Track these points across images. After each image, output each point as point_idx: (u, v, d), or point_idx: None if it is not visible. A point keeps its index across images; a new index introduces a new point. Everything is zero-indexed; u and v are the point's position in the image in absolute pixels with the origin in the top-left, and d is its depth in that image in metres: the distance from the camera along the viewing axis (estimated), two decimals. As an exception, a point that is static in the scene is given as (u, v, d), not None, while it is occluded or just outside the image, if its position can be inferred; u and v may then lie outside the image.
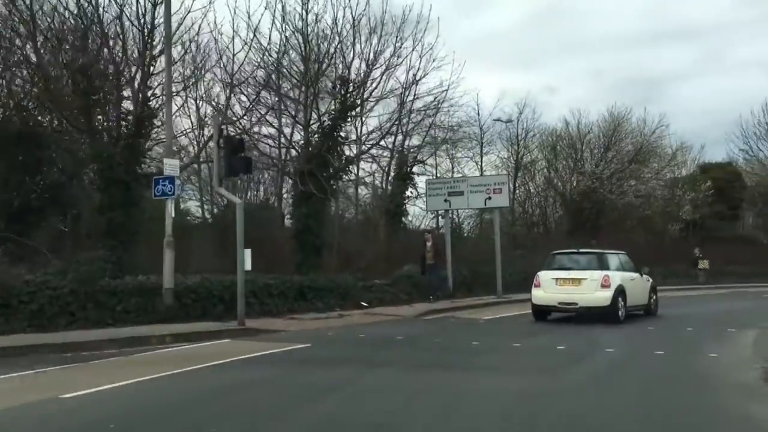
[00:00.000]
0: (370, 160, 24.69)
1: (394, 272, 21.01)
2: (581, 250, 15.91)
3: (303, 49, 19.55)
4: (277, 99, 20.07)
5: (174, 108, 16.05)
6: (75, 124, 16.83)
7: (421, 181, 26.84)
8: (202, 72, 16.73)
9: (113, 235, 16.27)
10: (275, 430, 5.84)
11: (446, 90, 22.91)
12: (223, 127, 16.61)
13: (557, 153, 36.21)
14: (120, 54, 16.34)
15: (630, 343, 11.41)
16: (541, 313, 14.99)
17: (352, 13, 19.18)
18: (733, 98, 61.68)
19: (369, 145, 21.46)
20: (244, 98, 19.61)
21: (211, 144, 13.72)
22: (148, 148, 17.59)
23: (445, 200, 22.29)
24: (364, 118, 23.75)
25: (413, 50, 20.04)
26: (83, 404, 6.77)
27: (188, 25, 16.53)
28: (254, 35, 17.50)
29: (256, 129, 21.11)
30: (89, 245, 17.06)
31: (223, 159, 13.13)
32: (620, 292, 14.25)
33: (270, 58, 18.27)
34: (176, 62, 16.13)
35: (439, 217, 29.48)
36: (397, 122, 22.14)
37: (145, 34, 15.99)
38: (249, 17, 18.40)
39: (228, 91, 16.96)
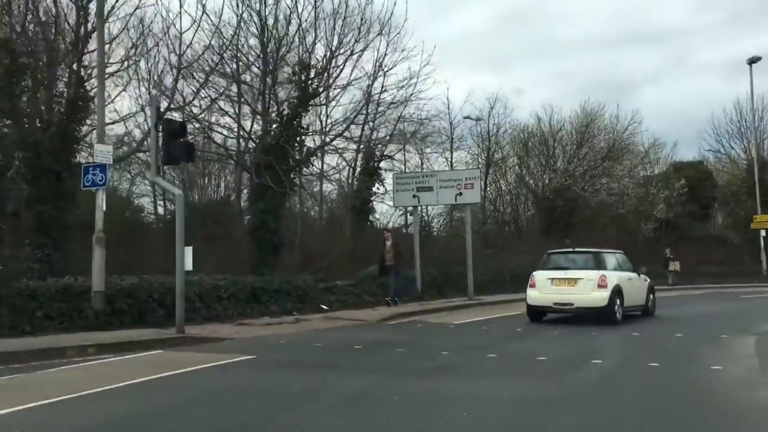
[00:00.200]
0: (335, 153, 23.31)
1: (359, 272, 19.64)
2: (577, 249, 15.36)
3: (260, 31, 18.03)
4: (233, 84, 18.50)
5: (116, 90, 14.49)
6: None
7: (388, 177, 25.52)
8: (145, 50, 15.11)
9: (43, 232, 14.60)
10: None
11: (415, 80, 21.77)
12: (170, 113, 15.06)
13: (529, 150, 35.19)
14: (52, 29, 14.64)
15: (622, 351, 10.16)
16: (537, 314, 14.51)
17: (313, -8, 17.78)
18: (699, 100, 61.96)
19: (332, 136, 19.99)
20: (197, 84, 18.08)
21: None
22: (85, 134, 15.88)
23: (414, 196, 20.94)
24: (328, 109, 22.38)
25: (379, 34, 18.68)
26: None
27: (130, -2, 14.90)
28: (203, 12, 15.90)
29: (212, 119, 19.59)
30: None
31: (162, 145, 11.56)
32: (617, 292, 13.82)
33: (223, 40, 16.64)
34: (115, 39, 14.46)
35: (408, 215, 28.18)
36: (364, 112, 20.76)
37: (80, 6, 14.33)
38: (199, -8, 16.80)
39: (176, 72, 15.34)
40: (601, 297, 13.54)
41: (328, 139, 20.44)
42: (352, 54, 18.61)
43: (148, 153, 21.22)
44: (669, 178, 36.56)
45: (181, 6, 15.48)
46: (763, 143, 39.27)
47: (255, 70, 19.42)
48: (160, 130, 11.57)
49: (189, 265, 11.85)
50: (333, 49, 18.19)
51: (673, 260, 31.12)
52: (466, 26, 60.95)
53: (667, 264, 30.90)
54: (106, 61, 13.39)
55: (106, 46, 13.87)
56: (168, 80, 16.38)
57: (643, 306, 15.45)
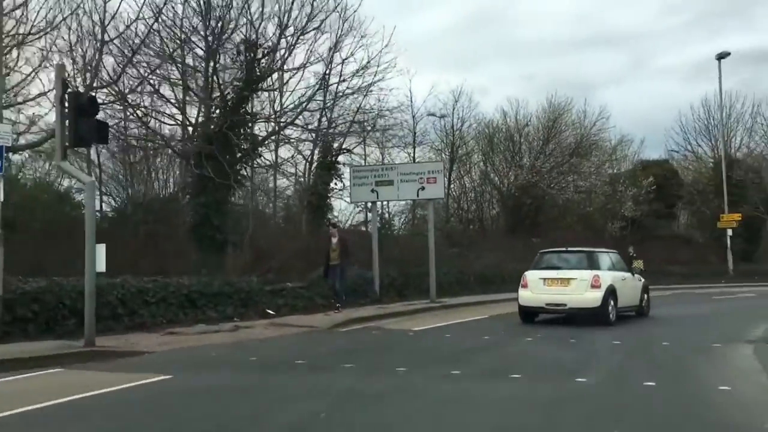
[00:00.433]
0: (288, 144, 21.61)
1: (311, 273, 17.95)
2: (570, 249, 14.99)
3: (200, 3, 16.21)
4: (172, 65, 16.67)
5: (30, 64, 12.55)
6: None
7: (347, 172, 23.86)
8: (62, 17, 13.19)
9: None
10: None
11: (375, 68, 20.23)
12: (93, 93, 13.21)
13: (494, 146, 33.90)
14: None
15: (609, 364, 8.74)
16: (529, 314, 14.18)
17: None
18: (660, 102, 61.73)
19: (283, 124, 18.25)
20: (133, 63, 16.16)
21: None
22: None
23: (372, 190, 19.35)
24: (282, 98, 20.68)
25: (334, 11, 17.06)
26: None
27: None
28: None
29: (149, 103, 17.69)
30: None
31: (69, 123, 9.75)
32: (611, 292, 13.46)
33: (154, 11, 14.77)
34: (24, 4, 12.53)
35: (368, 211, 26.56)
36: (318, 99, 19.11)
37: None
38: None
39: (98, 45, 13.45)
40: (594, 297, 13.18)
41: (279, 128, 18.64)
42: (303, 33, 16.93)
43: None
44: (637, 175, 35.69)
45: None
46: (730, 141, 38.76)
47: (199, 52, 17.63)
48: (67, 105, 9.74)
49: (102, 265, 10.04)
50: (281, 26, 16.47)
51: (637, 258, 30.17)
52: (430, 27, 59.93)
53: (630, 263, 29.93)
54: (11, 29, 11.47)
55: (17, 11, 11.97)
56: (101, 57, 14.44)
57: (638, 306, 15.10)
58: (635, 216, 34.37)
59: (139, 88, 15.25)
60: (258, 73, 17.04)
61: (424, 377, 7.88)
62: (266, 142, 20.23)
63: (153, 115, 17.25)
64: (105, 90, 15.05)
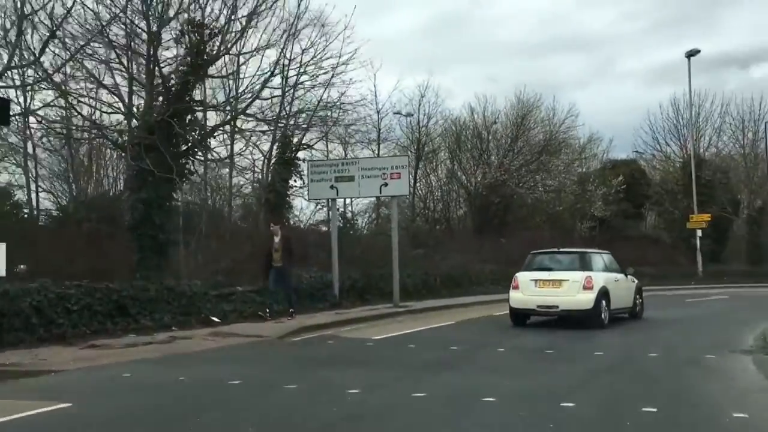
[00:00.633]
0: (241, 136, 20.13)
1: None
2: (562, 250, 14.79)
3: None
4: (103, 42, 15.05)
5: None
6: None
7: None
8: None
9: None
10: None
11: (337, 60, 19.01)
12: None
13: (461, 143, 32.78)
14: None
15: (600, 383, 7.53)
16: (519, 316, 13.81)
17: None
18: (622, 106, 61.76)
19: (234, 113, 16.78)
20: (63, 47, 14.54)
21: None
22: None
23: (332, 187, 17.98)
24: (233, 83, 19.15)
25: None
26: None
27: None
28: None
29: (82, 87, 16.05)
30: None
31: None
32: (604, 294, 13.18)
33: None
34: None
35: (328, 210, 25.14)
36: (271, 86, 17.68)
37: None
38: None
39: (15, 18, 11.82)
40: (587, 299, 12.90)
41: (231, 117, 17.16)
42: (255, 14, 15.50)
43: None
44: (606, 175, 34.96)
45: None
46: (699, 141, 38.34)
47: (143, 36, 16.06)
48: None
49: (1, 269, 8.50)
50: (231, 7, 15.03)
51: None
52: (393, 30, 58.97)
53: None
54: None
55: None
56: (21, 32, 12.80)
57: (631, 308, 14.85)
58: (605, 216, 33.62)
59: (68, 70, 13.60)
60: (205, 57, 15.54)
61: (380, 402, 6.56)
62: (216, 133, 18.76)
63: (87, 101, 15.59)
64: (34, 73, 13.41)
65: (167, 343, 10.80)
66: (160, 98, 15.58)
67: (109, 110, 17.07)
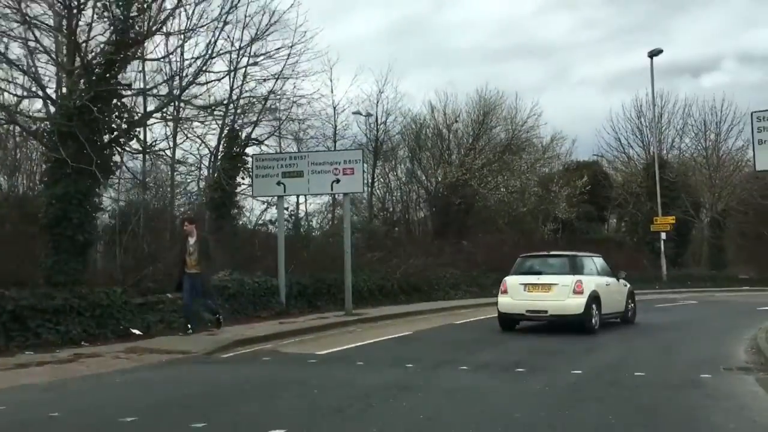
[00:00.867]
0: (178, 126, 18.34)
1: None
2: (552, 253, 14.59)
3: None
4: (22, 17, 13.18)
5: None
6: None
7: (257, 165, 20.71)
8: None
9: None
10: None
11: (289, 50, 17.48)
12: None
13: (421, 142, 31.38)
14: None
15: (585, 413, 6.09)
16: (508, 321, 13.52)
17: None
18: (582, 114, 61.50)
19: (166, 98, 15.02)
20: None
21: None
22: None
23: (279, 183, 16.39)
24: (168, 65, 17.34)
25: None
26: None
27: None
28: None
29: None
30: None
31: None
32: (594, 298, 12.91)
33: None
34: None
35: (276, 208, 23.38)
36: (210, 71, 15.94)
37: None
38: None
39: None
40: (577, 304, 12.62)
41: (163, 104, 15.38)
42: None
43: None
44: (570, 176, 34.03)
45: None
46: (661, 143, 37.80)
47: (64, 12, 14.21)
48: None
49: None
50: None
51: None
52: (355, 34, 57.64)
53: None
54: None
55: None
56: None
57: (622, 313, 14.46)
58: (569, 218, 32.66)
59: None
60: (132, 36, 13.76)
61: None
62: (152, 123, 16.99)
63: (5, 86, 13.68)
64: None
65: (68, 363, 9.06)
66: (81, 81, 13.72)
67: (28, 95, 15.12)
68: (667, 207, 34.70)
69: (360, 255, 21.14)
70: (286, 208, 22.19)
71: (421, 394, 7.15)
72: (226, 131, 21.14)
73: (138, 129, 15.32)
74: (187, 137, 20.41)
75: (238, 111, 20.81)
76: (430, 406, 6.52)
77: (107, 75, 13.77)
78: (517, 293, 13.27)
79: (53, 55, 14.22)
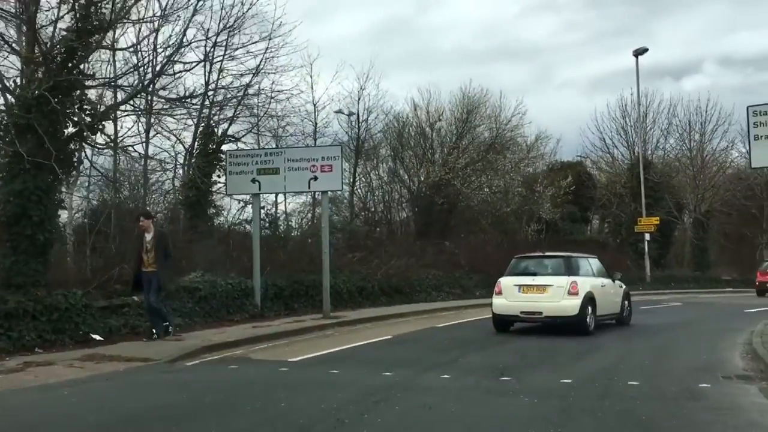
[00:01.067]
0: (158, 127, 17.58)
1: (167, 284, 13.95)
2: (547, 254, 14.34)
3: None
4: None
5: None
6: None
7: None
8: None
9: None
10: None
11: (266, 43, 16.79)
12: None
13: (404, 141, 30.75)
14: None
15: (577, 427, 5.52)
16: (502, 323, 13.40)
17: None
18: (566, 115, 61.42)
19: (132, 89, 14.25)
20: None
21: None
22: None
23: (254, 180, 15.69)
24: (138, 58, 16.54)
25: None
26: None
27: None
28: None
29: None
30: None
31: None
32: (590, 299, 12.78)
33: None
34: None
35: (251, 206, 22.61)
36: (180, 61, 15.19)
37: None
38: None
39: None
40: (572, 305, 12.49)
41: (130, 96, 14.60)
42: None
43: None
44: (554, 176, 33.60)
45: None
46: (646, 143, 37.53)
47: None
48: None
49: None
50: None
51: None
52: (338, 34, 56.97)
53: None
54: None
55: None
56: None
57: (618, 314, 14.33)
58: (553, 218, 32.23)
59: None
60: (95, 21, 12.98)
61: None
62: (121, 117, 16.20)
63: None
64: None
65: (14, 372, 8.32)
66: (40, 70, 12.93)
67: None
68: (650, 208, 34.45)
69: (340, 255, 20.48)
70: (263, 207, 21.49)
71: (399, 408, 6.49)
72: (201, 128, 20.43)
73: (104, 123, 14.48)
74: (158, 133, 19.57)
75: (214, 106, 20.12)
76: (407, 425, 5.88)
77: (69, 64, 13.00)
78: (511, 294, 13.15)
79: (15, 45, 13.39)
